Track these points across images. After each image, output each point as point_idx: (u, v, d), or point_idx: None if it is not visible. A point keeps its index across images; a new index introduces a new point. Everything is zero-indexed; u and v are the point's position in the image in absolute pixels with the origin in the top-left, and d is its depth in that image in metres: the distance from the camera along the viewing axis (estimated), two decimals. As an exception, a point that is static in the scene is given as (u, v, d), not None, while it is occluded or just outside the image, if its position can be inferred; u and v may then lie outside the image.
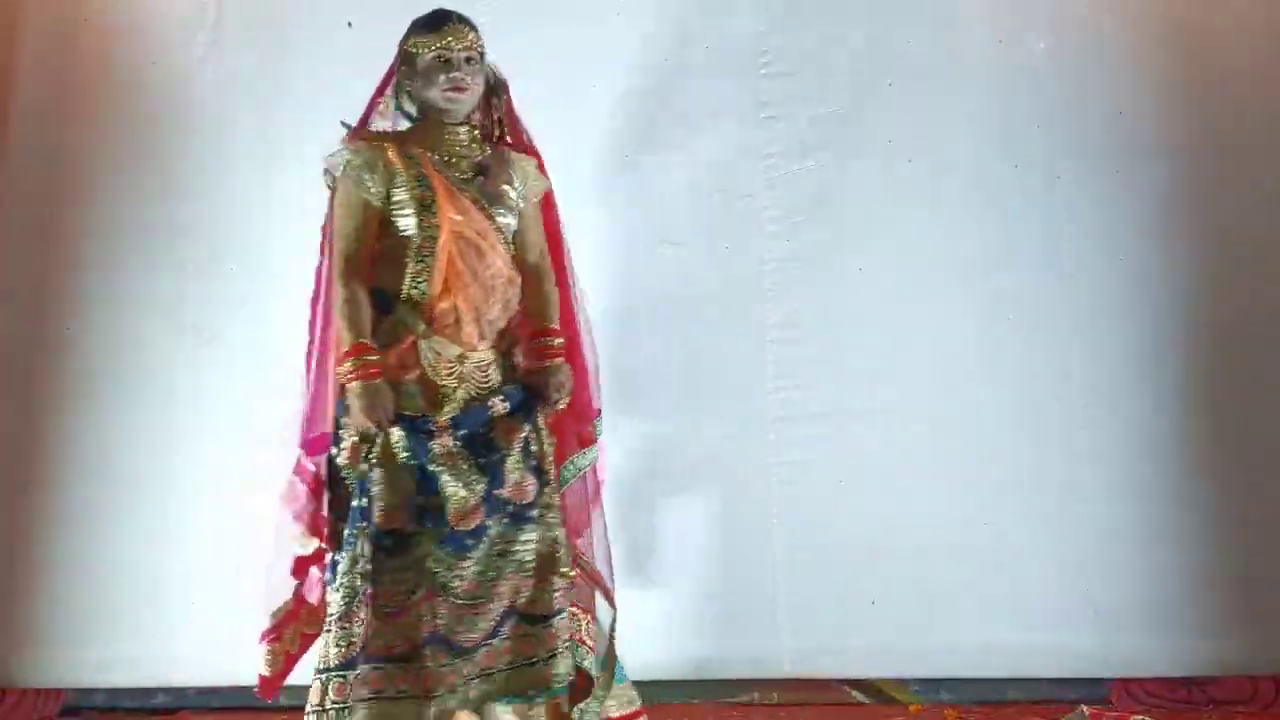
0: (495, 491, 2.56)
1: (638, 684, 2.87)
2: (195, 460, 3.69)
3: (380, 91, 2.75)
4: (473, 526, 2.53)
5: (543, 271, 2.76)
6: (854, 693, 3.71)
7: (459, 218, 2.58)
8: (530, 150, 2.82)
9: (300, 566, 2.68)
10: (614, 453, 3.60)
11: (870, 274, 3.74)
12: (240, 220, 3.82)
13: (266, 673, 2.72)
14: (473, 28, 2.68)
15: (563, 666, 2.56)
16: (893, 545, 3.59)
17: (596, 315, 3.57)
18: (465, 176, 2.66)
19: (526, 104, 3.66)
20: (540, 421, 2.68)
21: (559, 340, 2.74)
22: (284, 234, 3.78)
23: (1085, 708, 3.31)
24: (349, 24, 3.97)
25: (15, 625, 3.60)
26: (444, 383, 2.56)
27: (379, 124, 2.74)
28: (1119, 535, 3.61)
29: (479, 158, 2.70)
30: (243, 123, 3.87)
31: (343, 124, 2.69)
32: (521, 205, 2.72)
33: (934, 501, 3.62)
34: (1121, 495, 3.63)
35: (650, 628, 3.57)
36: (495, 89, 2.78)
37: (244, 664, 3.55)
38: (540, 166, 2.81)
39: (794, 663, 3.66)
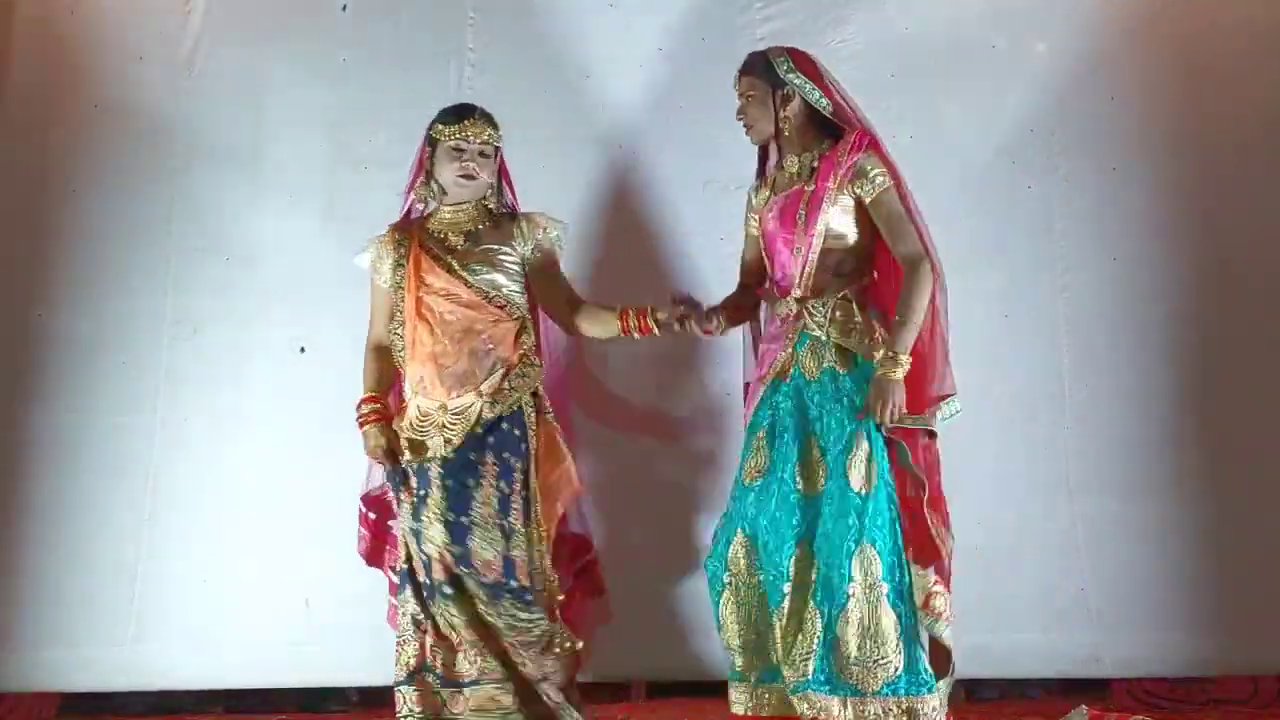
0: None
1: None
2: (181, 457, 3.65)
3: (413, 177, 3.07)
4: None
5: (572, 303, 3.09)
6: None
7: (430, 281, 2.92)
8: (513, 207, 3.12)
9: None
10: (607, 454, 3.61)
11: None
12: (225, 214, 3.77)
13: None
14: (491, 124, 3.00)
15: None
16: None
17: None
18: (450, 246, 2.98)
19: (520, 98, 3.65)
20: None
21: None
22: (271, 228, 3.74)
23: (1085, 708, 3.29)
24: (343, 7, 3.90)
25: (6, 628, 3.56)
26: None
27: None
28: (1118, 535, 3.59)
29: (469, 228, 3.00)
30: (230, 116, 3.81)
31: None
32: (529, 258, 3.02)
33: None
34: (1120, 495, 3.61)
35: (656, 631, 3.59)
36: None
37: (240, 664, 3.57)
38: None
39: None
